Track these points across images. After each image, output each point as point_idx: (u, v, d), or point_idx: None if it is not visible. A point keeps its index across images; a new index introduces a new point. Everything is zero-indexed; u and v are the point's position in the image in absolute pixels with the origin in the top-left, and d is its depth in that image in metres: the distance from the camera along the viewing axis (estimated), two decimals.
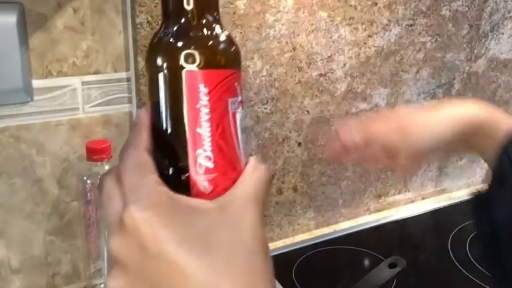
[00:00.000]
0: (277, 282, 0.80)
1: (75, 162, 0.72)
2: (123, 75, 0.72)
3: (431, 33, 0.95)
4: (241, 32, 0.76)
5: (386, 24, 0.89)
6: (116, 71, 0.71)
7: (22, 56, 0.64)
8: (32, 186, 0.70)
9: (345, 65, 0.87)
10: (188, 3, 0.37)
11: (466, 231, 0.98)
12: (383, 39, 0.90)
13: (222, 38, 0.38)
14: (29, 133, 0.68)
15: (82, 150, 0.70)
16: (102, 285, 0.74)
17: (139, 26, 0.69)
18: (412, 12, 0.91)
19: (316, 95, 0.87)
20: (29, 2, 0.64)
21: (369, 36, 0.88)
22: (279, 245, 0.92)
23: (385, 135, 0.57)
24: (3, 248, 0.71)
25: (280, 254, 0.89)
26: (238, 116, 0.38)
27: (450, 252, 0.91)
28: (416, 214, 1.04)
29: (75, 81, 0.69)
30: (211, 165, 0.35)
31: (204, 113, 0.36)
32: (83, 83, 0.70)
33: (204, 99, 0.36)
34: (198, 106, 0.36)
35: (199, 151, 0.36)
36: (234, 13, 0.75)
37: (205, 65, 0.35)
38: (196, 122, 0.36)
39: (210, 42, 0.37)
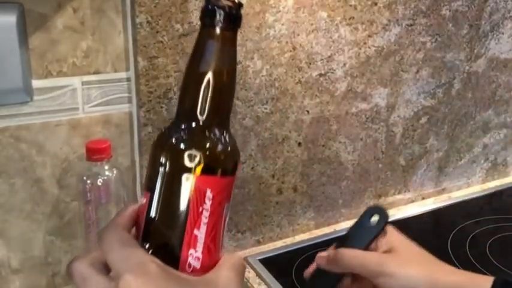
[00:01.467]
0: (277, 282, 0.80)
1: (75, 162, 0.72)
2: (123, 75, 0.72)
3: (431, 33, 0.95)
4: (241, 32, 0.76)
5: (386, 24, 0.89)
6: (115, 71, 0.71)
7: (22, 56, 0.64)
8: (32, 186, 0.70)
9: (345, 64, 0.87)
10: (201, 113, 0.41)
11: (466, 231, 0.98)
12: (383, 39, 0.90)
13: (232, 147, 0.42)
14: (29, 133, 0.68)
15: (82, 150, 0.70)
16: None
17: (139, 26, 0.69)
18: (412, 12, 0.91)
19: (316, 95, 0.87)
20: (29, 2, 0.64)
21: (369, 36, 0.88)
22: (279, 245, 0.92)
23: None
24: (3, 248, 0.71)
25: (280, 254, 0.89)
26: (227, 218, 0.42)
27: (450, 252, 0.91)
28: (416, 214, 1.04)
29: (75, 81, 0.69)
30: (198, 265, 0.39)
31: (205, 217, 0.39)
32: (83, 83, 0.70)
33: (207, 204, 0.39)
34: (201, 209, 0.39)
35: (191, 251, 0.38)
36: None
37: (216, 173, 0.39)
38: (196, 223, 0.39)
39: (222, 152, 0.41)
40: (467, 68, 1.03)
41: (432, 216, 1.05)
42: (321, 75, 0.86)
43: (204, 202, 0.39)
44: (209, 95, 0.41)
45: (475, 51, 1.02)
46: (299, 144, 0.88)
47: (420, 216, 1.04)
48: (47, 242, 0.73)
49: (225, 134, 0.42)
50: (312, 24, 0.82)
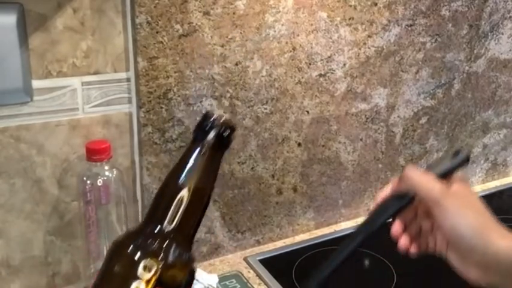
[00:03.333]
0: (277, 282, 0.80)
1: (75, 162, 0.72)
2: (123, 75, 0.72)
3: (431, 33, 0.95)
4: (241, 32, 0.76)
5: (386, 25, 0.89)
6: (115, 71, 0.71)
7: (22, 56, 0.64)
8: (32, 186, 0.70)
9: (344, 65, 0.87)
10: (168, 225, 0.43)
11: None
12: (383, 40, 0.90)
13: (189, 267, 0.44)
14: (29, 133, 0.68)
15: (82, 150, 0.70)
16: None
17: (139, 27, 0.69)
18: (411, 12, 0.91)
19: (316, 95, 0.87)
20: (29, 2, 0.64)
21: (369, 36, 0.88)
22: (279, 245, 0.92)
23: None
24: (3, 248, 0.71)
25: (280, 254, 0.89)
26: None
27: None
28: None
29: (75, 82, 0.69)
30: None
31: None
32: (83, 83, 0.70)
33: None
34: None
35: None
36: (234, 13, 0.75)
37: (158, 281, 0.41)
38: None
39: (178, 269, 0.43)
40: (467, 68, 1.03)
41: None
42: (320, 75, 0.86)
43: None
44: (181, 208, 0.43)
45: (475, 51, 1.03)
46: (299, 144, 0.88)
47: None
48: (47, 242, 0.73)
49: (186, 253, 0.44)
50: (311, 25, 0.82)
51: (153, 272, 0.41)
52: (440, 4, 0.94)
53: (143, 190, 0.76)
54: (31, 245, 0.72)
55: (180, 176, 0.44)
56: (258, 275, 0.82)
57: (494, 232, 0.50)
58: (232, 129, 0.46)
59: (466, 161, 0.56)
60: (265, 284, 0.80)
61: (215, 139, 0.45)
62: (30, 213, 0.71)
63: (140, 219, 0.79)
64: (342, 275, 0.87)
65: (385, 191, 0.56)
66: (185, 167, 0.45)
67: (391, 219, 0.56)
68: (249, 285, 0.80)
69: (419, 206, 0.55)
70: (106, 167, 0.69)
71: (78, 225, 0.73)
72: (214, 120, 0.45)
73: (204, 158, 0.45)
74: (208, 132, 0.45)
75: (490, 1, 1.00)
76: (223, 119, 0.46)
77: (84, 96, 0.70)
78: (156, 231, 0.43)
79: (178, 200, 0.44)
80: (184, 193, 0.44)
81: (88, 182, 0.69)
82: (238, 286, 0.79)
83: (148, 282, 0.40)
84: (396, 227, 0.56)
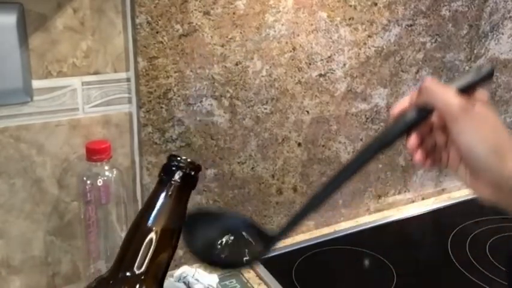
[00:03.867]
0: (277, 282, 0.80)
1: (75, 162, 0.72)
2: (123, 75, 0.72)
3: (431, 33, 0.95)
4: (241, 32, 0.76)
5: (386, 25, 0.89)
6: (115, 71, 0.71)
7: (22, 56, 0.64)
8: (32, 186, 0.70)
9: (344, 65, 0.87)
10: (140, 267, 0.44)
11: (466, 231, 0.98)
12: (383, 40, 0.90)
13: None
14: (29, 133, 0.68)
15: (82, 150, 0.70)
16: None
17: (139, 27, 0.69)
18: (411, 12, 0.91)
19: (316, 95, 0.87)
20: (29, 2, 0.64)
21: (369, 36, 0.88)
22: (279, 245, 0.91)
23: None
24: (3, 248, 0.71)
25: (280, 254, 0.89)
26: None
27: (450, 252, 0.91)
28: (416, 214, 1.04)
29: (75, 82, 0.69)
30: None
31: None
32: (83, 83, 0.70)
33: None
34: None
35: None
36: (234, 13, 0.75)
37: None
38: None
39: None
40: (467, 68, 1.03)
41: (432, 216, 1.05)
42: (320, 75, 0.86)
43: None
44: (150, 251, 0.44)
45: (475, 51, 1.02)
46: (299, 144, 0.88)
47: (420, 217, 1.04)
48: (47, 242, 0.73)
49: None
50: (311, 25, 0.82)
51: None
52: (440, 4, 0.94)
53: (143, 190, 0.76)
54: (31, 245, 0.72)
55: (148, 219, 0.45)
56: (258, 275, 0.82)
57: (511, 154, 0.48)
58: (198, 169, 0.47)
59: (490, 75, 0.52)
60: (265, 284, 0.80)
61: (181, 180, 0.46)
62: (30, 213, 0.71)
63: None
64: (342, 275, 0.87)
65: (403, 103, 0.53)
66: (152, 210, 0.45)
67: (406, 133, 0.53)
68: (249, 285, 0.80)
69: (436, 120, 0.52)
70: (106, 167, 0.69)
71: (78, 225, 0.73)
72: (179, 161, 0.46)
73: (171, 199, 0.46)
74: (174, 173, 0.46)
75: (490, 1, 1.00)
76: (188, 160, 0.47)
77: (84, 96, 0.70)
78: (126, 277, 0.44)
79: (147, 243, 0.45)
80: (152, 236, 0.45)
81: (88, 182, 0.69)
82: (238, 286, 0.79)
83: None
84: (412, 141, 0.53)
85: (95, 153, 0.68)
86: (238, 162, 0.83)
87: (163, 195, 0.46)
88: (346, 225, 0.99)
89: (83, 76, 0.70)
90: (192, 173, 0.47)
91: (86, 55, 0.69)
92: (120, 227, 0.73)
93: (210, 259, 0.51)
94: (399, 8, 0.90)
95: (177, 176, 0.46)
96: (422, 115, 0.51)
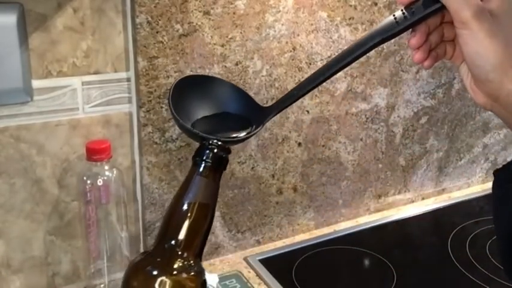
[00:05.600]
0: (277, 282, 0.80)
1: (75, 162, 0.72)
2: (123, 75, 0.72)
3: None
4: (241, 32, 0.76)
5: None
6: (115, 71, 0.71)
7: (22, 56, 0.64)
8: (32, 186, 0.70)
9: None
10: (180, 241, 0.48)
11: (466, 231, 0.98)
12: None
13: (196, 276, 0.49)
14: (29, 133, 0.68)
15: (82, 150, 0.70)
16: (102, 286, 0.74)
17: (139, 26, 0.69)
18: None
19: (316, 95, 0.87)
20: (29, 2, 0.64)
21: None
22: (279, 245, 0.92)
23: None
24: (3, 248, 0.71)
25: (280, 254, 0.89)
26: None
27: (450, 252, 0.91)
28: (416, 214, 1.04)
29: (75, 81, 0.69)
30: None
31: None
32: (83, 83, 0.70)
33: None
34: None
35: None
36: (234, 13, 0.75)
37: None
38: None
39: (184, 280, 0.48)
40: None
41: (432, 216, 1.05)
42: None
43: None
44: (189, 226, 0.49)
45: None
46: (299, 144, 0.88)
47: (420, 216, 1.04)
48: (47, 242, 0.73)
49: (196, 266, 0.49)
50: (311, 25, 0.82)
51: (167, 287, 0.46)
52: None
53: (143, 190, 0.76)
54: (31, 245, 0.72)
55: (185, 196, 0.50)
56: (258, 275, 0.82)
57: None
58: (228, 151, 0.52)
59: None
60: (265, 284, 0.80)
61: (212, 160, 0.51)
62: (30, 213, 0.71)
63: (140, 219, 0.79)
64: (342, 275, 0.87)
65: None
66: (189, 188, 0.50)
67: (414, 25, 0.51)
68: (249, 285, 0.80)
69: (447, 14, 0.48)
70: (106, 167, 0.69)
71: (78, 225, 0.73)
72: (210, 144, 0.51)
73: (205, 179, 0.50)
74: (205, 155, 0.51)
75: None
76: (219, 143, 0.52)
77: (84, 96, 0.70)
78: (167, 250, 0.48)
79: (186, 218, 0.49)
80: (190, 211, 0.49)
81: (88, 182, 0.69)
82: (238, 286, 0.79)
83: None
84: (416, 40, 0.51)
85: (95, 153, 0.68)
86: (238, 162, 0.83)
87: (197, 175, 0.50)
88: (346, 225, 0.99)
89: (83, 76, 0.70)
90: (223, 154, 0.52)
91: (86, 55, 0.69)
92: (120, 226, 0.73)
93: (195, 130, 0.55)
94: (399, 8, 0.89)
95: (208, 157, 0.51)
96: (433, 9, 0.48)
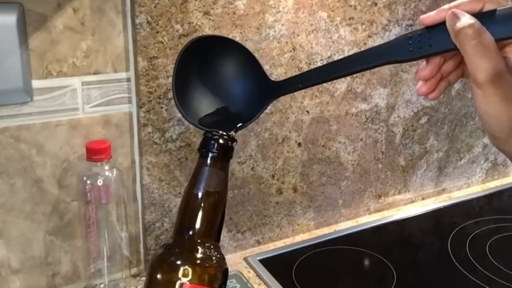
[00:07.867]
0: (277, 283, 0.80)
1: (75, 162, 0.72)
2: (123, 75, 0.72)
3: None
4: (241, 32, 0.76)
5: (386, 25, 0.89)
6: (115, 71, 0.71)
7: (22, 56, 0.64)
8: (32, 186, 0.70)
9: None
10: (198, 229, 0.50)
11: (466, 231, 0.98)
12: (383, 40, 0.90)
13: (219, 263, 0.50)
14: (29, 133, 0.68)
15: (82, 150, 0.70)
16: (102, 286, 0.74)
17: (139, 26, 0.69)
18: (412, 12, 0.91)
19: (316, 95, 0.87)
20: (29, 2, 0.64)
21: (369, 36, 0.88)
22: (279, 245, 0.92)
23: None
24: (3, 248, 0.71)
25: (280, 254, 0.89)
26: None
27: (450, 252, 0.91)
28: (416, 214, 1.04)
29: (75, 82, 0.69)
30: None
31: None
32: (83, 83, 0.70)
33: None
34: None
35: None
36: (234, 13, 0.75)
37: (197, 282, 0.48)
38: None
39: (211, 268, 0.49)
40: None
41: (432, 216, 1.05)
42: None
43: None
44: (205, 214, 0.50)
45: None
46: (299, 144, 0.88)
47: (420, 217, 1.04)
48: (47, 242, 0.73)
49: (217, 253, 0.50)
50: (311, 25, 0.82)
51: (191, 276, 0.47)
52: (440, 4, 0.94)
53: (143, 190, 0.76)
54: (31, 245, 0.72)
55: (196, 186, 0.51)
56: (258, 275, 0.82)
57: None
58: (232, 139, 0.52)
59: None
60: (265, 284, 0.80)
61: (218, 150, 0.51)
62: (30, 213, 0.71)
63: (140, 219, 0.79)
64: (342, 275, 0.87)
65: (438, 15, 0.46)
66: (199, 178, 0.51)
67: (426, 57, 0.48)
68: (249, 285, 0.80)
69: None
70: (106, 167, 0.69)
71: (78, 225, 0.74)
72: (214, 134, 0.52)
73: (214, 168, 0.51)
74: (210, 146, 0.51)
75: None
76: (222, 132, 0.52)
77: (84, 96, 0.70)
78: (187, 240, 0.50)
79: (200, 208, 0.50)
80: (204, 200, 0.50)
81: (88, 182, 0.69)
82: (238, 286, 0.79)
83: (189, 284, 0.47)
84: (426, 72, 0.49)
85: (95, 153, 0.68)
86: (238, 162, 0.83)
87: (206, 165, 0.51)
88: (346, 225, 0.99)
89: (83, 76, 0.70)
90: (228, 143, 0.52)
91: (86, 55, 0.69)
92: (120, 226, 0.73)
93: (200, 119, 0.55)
94: (399, 8, 0.90)
95: (213, 148, 0.51)
96: (453, 48, 0.44)
